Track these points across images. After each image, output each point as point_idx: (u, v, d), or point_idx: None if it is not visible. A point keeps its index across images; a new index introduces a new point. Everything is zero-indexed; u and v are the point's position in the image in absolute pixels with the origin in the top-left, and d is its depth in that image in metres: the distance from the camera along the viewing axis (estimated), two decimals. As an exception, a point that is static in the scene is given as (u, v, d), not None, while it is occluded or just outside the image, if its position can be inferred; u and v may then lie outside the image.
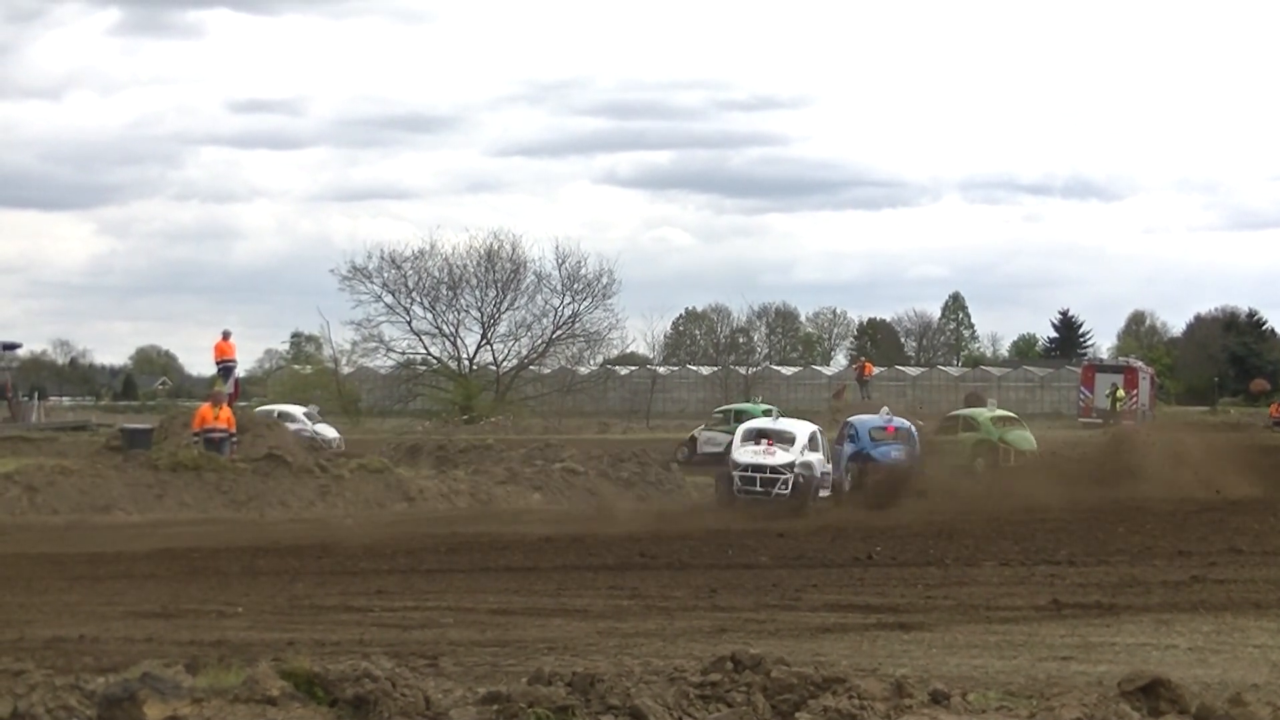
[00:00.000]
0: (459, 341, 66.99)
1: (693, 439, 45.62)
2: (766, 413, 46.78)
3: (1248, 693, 8.25)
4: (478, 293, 66.66)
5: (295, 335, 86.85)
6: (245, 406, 44.68)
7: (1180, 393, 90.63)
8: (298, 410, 49.80)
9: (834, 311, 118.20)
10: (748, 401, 52.38)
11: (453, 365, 66.94)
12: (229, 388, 36.75)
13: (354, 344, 66.12)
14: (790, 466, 28.37)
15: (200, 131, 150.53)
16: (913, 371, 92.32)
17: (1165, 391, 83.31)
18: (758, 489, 28.21)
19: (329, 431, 45.97)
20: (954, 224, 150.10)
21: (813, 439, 29.66)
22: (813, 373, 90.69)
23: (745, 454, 28.88)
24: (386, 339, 65.72)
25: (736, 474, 28.60)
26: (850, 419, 36.73)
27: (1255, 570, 18.13)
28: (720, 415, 47.96)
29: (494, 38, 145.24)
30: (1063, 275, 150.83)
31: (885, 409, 36.33)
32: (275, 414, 49.63)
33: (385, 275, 65.11)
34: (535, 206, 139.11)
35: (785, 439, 29.21)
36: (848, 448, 33.48)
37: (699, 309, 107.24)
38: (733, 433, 44.39)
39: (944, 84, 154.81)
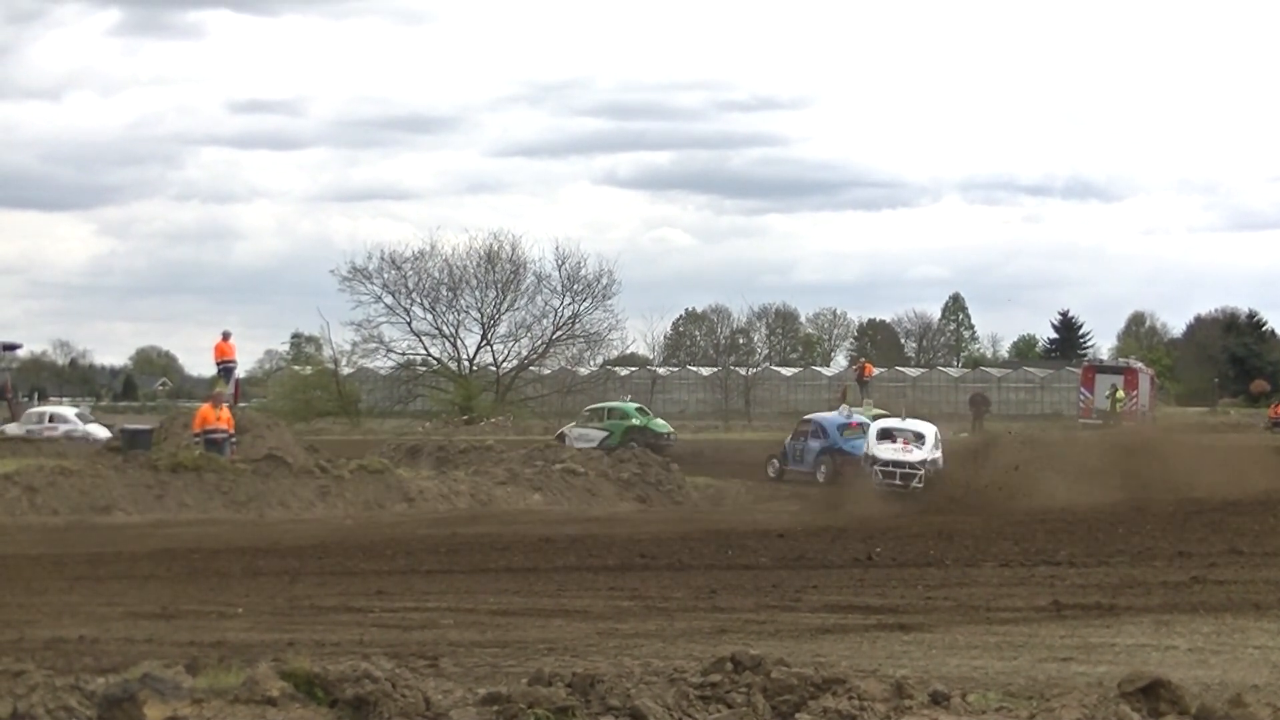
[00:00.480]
0: (459, 342, 67.10)
1: (561, 435, 46.08)
2: (640, 410, 48.27)
3: (1248, 694, 8.24)
4: (478, 293, 66.76)
5: (295, 336, 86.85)
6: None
7: (1180, 394, 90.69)
8: (69, 411, 50.21)
9: (834, 312, 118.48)
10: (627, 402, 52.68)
11: (453, 366, 66.98)
12: (229, 388, 36.74)
13: (354, 345, 66.18)
14: (924, 463, 31.58)
15: (200, 132, 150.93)
16: (913, 372, 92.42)
17: (1165, 392, 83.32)
18: (898, 482, 31.23)
19: (100, 431, 46.30)
20: (954, 225, 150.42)
21: (936, 438, 32.66)
22: (813, 373, 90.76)
23: (885, 451, 32.09)
24: (386, 340, 65.81)
25: (878, 469, 31.64)
26: (812, 416, 40.34)
27: (1255, 571, 18.12)
28: (589, 413, 48.69)
29: (494, 38, 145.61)
30: (1063, 276, 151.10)
31: (844, 407, 41.05)
32: (48, 415, 50.16)
33: (385, 276, 65.23)
34: (535, 207, 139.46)
35: (918, 438, 32.34)
36: (814, 444, 37.23)
37: (699, 310, 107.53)
38: (606, 429, 45.49)
39: (944, 85, 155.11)
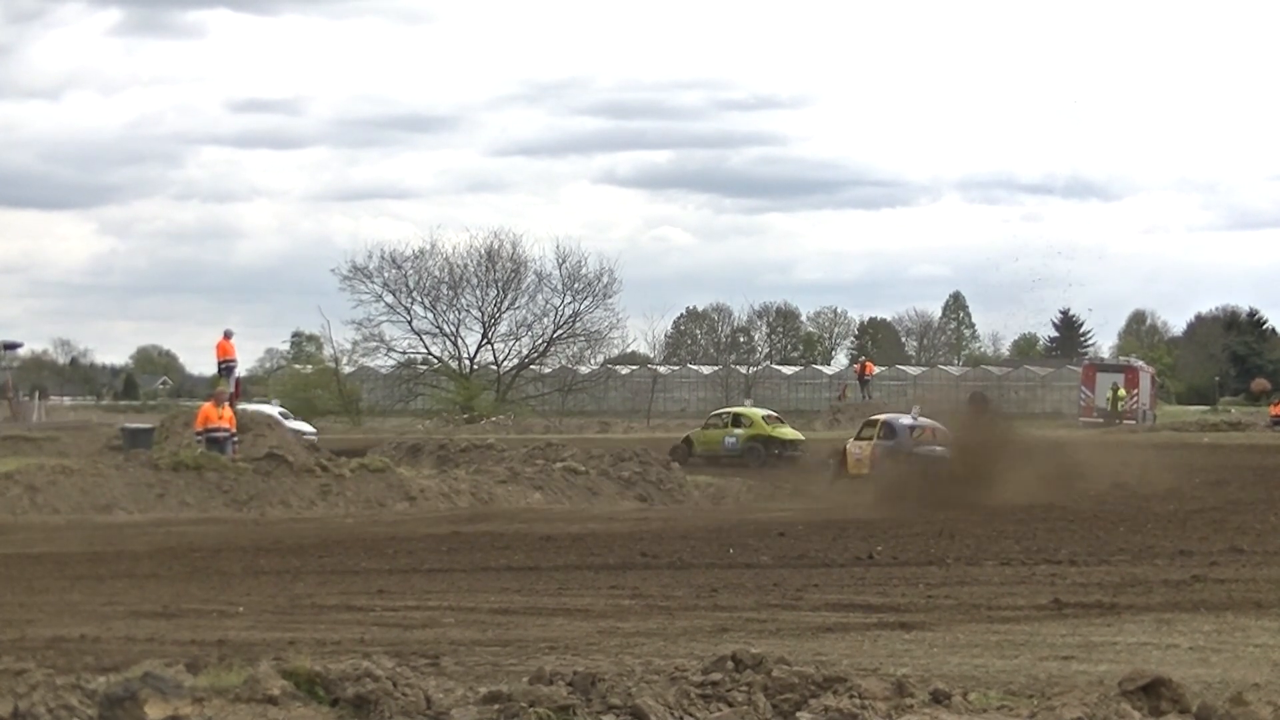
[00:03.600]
0: (460, 341, 67.15)
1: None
2: None
3: (1249, 692, 8.24)
4: (478, 292, 66.82)
5: (296, 335, 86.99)
6: None
7: (1181, 392, 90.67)
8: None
9: (835, 311, 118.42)
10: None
11: (454, 365, 67.00)
12: (230, 387, 36.73)
13: (355, 343, 66.27)
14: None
15: (200, 131, 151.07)
16: (913, 371, 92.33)
17: (1166, 391, 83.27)
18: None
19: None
20: (954, 224, 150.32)
21: None
22: (814, 372, 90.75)
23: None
24: (387, 338, 65.87)
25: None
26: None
27: (1257, 569, 18.11)
28: None
29: (493, 38, 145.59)
30: (1063, 275, 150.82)
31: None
32: None
33: (386, 275, 65.30)
34: (535, 206, 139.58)
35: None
36: None
37: (700, 308, 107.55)
38: None
39: (943, 84, 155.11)
